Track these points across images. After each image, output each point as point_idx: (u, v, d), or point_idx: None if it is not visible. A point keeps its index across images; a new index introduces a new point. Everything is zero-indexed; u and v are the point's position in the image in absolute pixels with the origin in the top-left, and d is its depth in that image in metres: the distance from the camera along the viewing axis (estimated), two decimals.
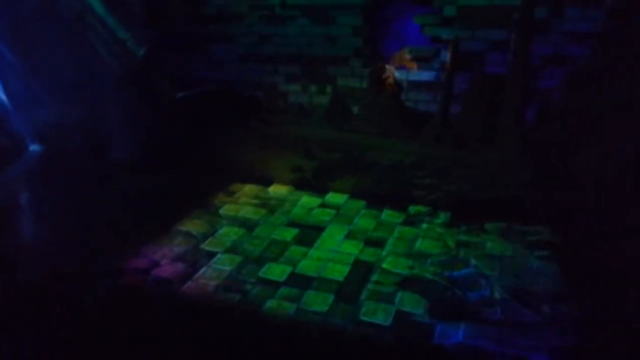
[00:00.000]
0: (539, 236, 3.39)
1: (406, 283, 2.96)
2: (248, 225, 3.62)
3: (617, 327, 2.53)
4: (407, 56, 4.93)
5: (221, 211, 3.82)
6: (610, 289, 2.81)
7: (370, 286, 2.93)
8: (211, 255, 3.25)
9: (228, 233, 3.51)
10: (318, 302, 2.79)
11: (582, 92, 4.08)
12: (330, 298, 2.82)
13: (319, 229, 3.58)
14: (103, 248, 3.27)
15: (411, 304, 2.77)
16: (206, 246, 3.35)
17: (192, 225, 3.60)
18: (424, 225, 3.60)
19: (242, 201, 4.00)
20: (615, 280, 2.86)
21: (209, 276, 3.03)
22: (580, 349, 2.45)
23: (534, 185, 3.75)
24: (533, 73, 4.28)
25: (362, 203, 3.96)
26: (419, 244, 3.36)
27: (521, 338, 2.54)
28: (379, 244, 3.38)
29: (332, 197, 4.06)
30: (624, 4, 3.76)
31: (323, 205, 3.94)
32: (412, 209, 3.82)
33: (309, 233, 3.53)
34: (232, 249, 3.32)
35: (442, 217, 3.69)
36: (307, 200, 4.01)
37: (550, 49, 4.37)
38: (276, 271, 3.08)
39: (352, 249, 3.32)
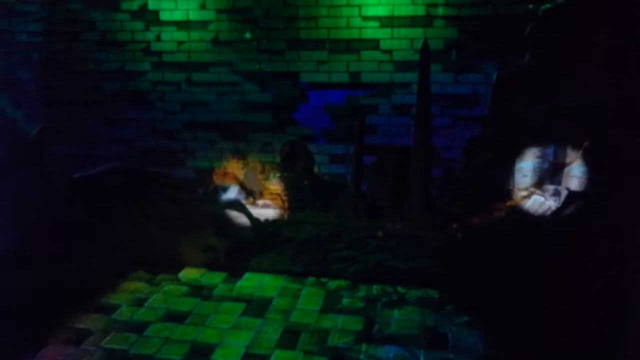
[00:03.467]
0: (456, 303, 3.42)
1: None
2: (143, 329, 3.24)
3: None
4: None
5: (116, 309, 3.44)
6: (531, 349, 2.86)
7: None
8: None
9: (119, 340, 3.06)
10: None
11: (478, 161, 4.44)
12: None
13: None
14: None
15: None
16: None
17: (86, 326, 3.19)
18: (345, 301, 3.49)
19: (143, 297, 3.65)
20: (533, 338, 2.92)
21: None
22: None
23: (443, 253, 3.85)
24: (435, 145, 4.56)
25: (280, 281, 3.77)
26: (341, 322, 3.22)
27: None
28: (300, 328, 3.19)
29: (248, 280, 3.84)
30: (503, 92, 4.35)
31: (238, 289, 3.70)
32: (332, 283, 3.71)
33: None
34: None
35: (363, 290, 3.62)
36: (222, 287, 3.73)
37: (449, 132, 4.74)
38: None
39: (272, 333, 3.10)
